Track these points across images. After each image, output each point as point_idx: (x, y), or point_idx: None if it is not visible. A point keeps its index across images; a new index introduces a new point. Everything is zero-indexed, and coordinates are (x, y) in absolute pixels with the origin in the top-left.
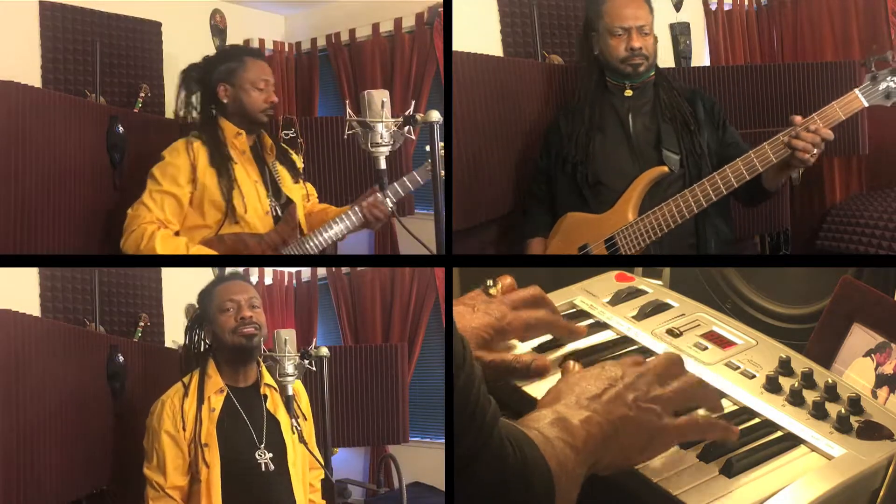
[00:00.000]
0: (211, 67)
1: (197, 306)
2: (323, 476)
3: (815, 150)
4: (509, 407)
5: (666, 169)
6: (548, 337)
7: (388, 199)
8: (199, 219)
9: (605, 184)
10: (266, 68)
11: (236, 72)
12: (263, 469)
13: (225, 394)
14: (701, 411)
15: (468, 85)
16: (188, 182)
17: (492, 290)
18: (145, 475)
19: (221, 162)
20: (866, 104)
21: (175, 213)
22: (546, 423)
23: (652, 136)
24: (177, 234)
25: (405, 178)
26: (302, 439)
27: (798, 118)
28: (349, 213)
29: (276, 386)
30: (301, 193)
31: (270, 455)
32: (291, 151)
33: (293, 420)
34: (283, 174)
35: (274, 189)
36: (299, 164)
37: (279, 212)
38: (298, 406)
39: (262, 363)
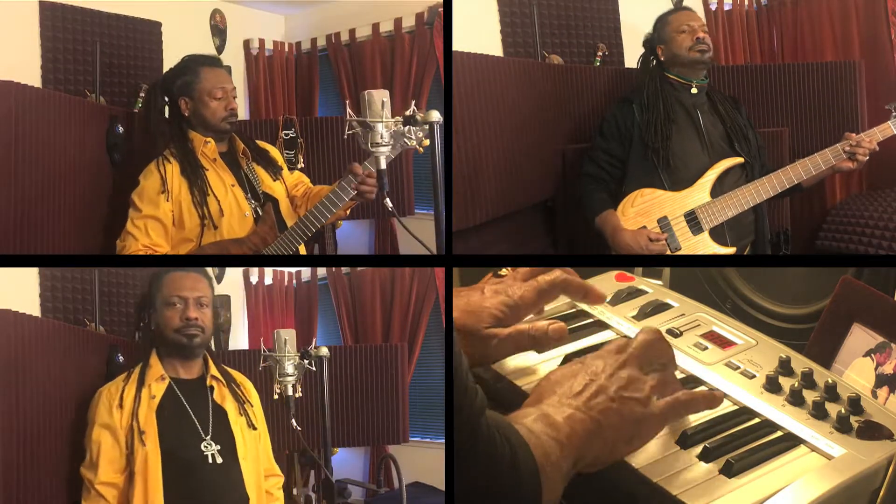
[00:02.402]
0: (171, 82)
1: (147, 288)
2: (282, 483)
3: (868, 156)
4: (498, 401)
5: (742, 159)
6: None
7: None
8: (182, 233)
9: (679, 168)
10: (222, 76)
11: (192, 84)
12: (211, 461)
13: (167, 382)
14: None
15: (468, 85)
16: (166, 200)
17: (502, 271)
18: (81, 475)
19: (192, 171)
20: (895, 131)
21: (161, 236)
22: (531, 419)
23: (719, 133)
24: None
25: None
26: (251, 425)
27: (851, 134)
28: (336, 191)
29: (222, 378)
30: (282, 190)
31: (218, 447)
32: (269, 149)
33: (240, 405)
34: (260, 174)
35: (252, 191)
36: (280, 160)
37: (259, 212)
38: (255, 415)
39: (209, 357)
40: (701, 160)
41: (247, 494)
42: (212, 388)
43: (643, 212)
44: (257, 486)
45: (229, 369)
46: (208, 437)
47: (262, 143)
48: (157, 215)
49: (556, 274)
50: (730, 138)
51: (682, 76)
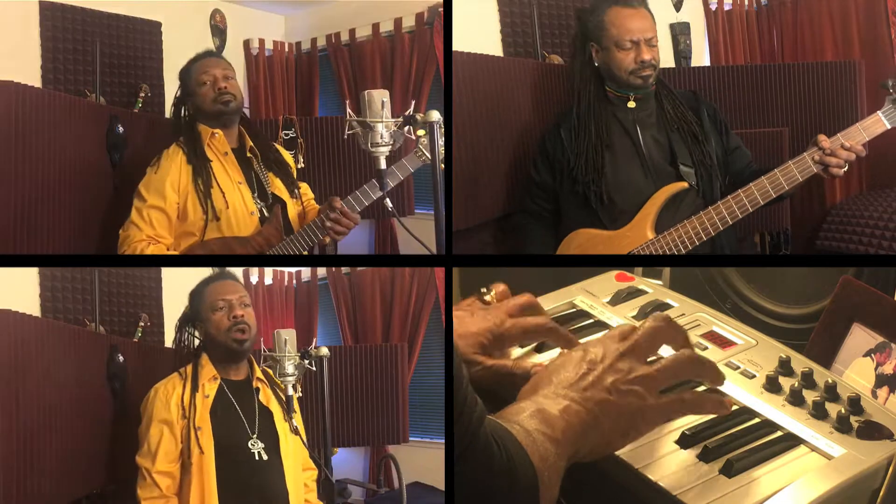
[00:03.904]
0: (184, 97)
1: (187, 305)
2: (317, 476)
3: (846, 166)
4: (496, 395)
5: (686, 185)
6: None
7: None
8: (184, 225)
9: (617, 201)
10: (210, 62)
11: (188, 83)
12: (257, 458)
13: (218, 382)
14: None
15: (468, 85)
16: (173, 191)
17: (487, 298)
18: (137, 463)
19: (197, 160)
20: (888, 126)
21: (165, 227)
22: (525, 415)
23: (663, 150)
24: (168, 248)
25: (394, 167)
26: (295, 431)
27: (823, 137)
28: (310, 227)
29: (266, 380)
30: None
31: (263, 445)
32: (290, 162)
33: (285, 411)
34: (273, 181)
35: (260, 190)
36: (294, 170)
37: (266, 213)
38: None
39: (253, 360)
40: (643, 188)
41: (286, 490)
42: (257, 389)
43: None
44: (295, 482)
45: (270, 372)
46: (255, 435)
47: (283, 152)
48: (163, 206)
49: (544, 321)
50: (673, 155)
51: (620, 90)
